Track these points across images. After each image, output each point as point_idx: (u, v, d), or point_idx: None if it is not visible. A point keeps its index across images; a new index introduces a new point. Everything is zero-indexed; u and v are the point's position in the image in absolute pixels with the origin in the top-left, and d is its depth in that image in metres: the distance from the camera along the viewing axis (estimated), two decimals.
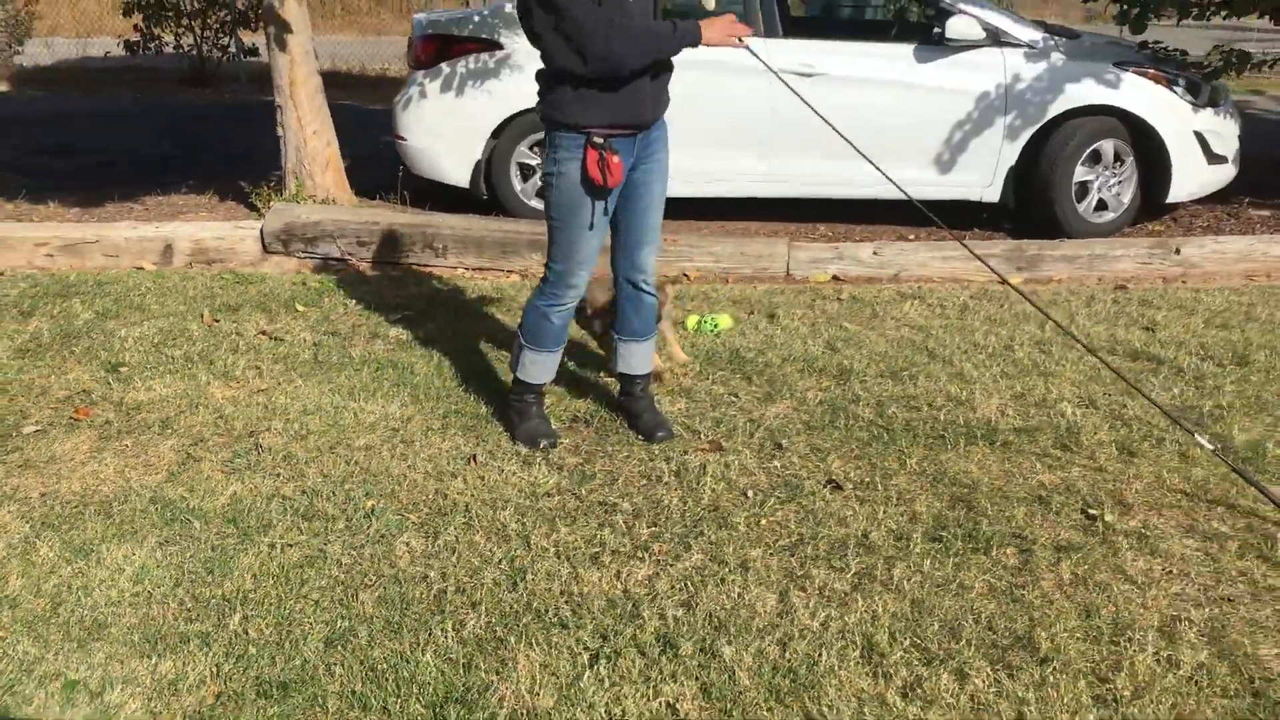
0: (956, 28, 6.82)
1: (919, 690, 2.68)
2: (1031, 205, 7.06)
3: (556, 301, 3.87)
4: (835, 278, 6.20)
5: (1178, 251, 6.36)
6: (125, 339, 4.99)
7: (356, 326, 5.25)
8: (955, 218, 6.94)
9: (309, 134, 6.80)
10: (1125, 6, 7.54)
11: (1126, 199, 7.07)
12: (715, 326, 5.23)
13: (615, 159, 3.57)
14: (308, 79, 6.73)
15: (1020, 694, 2.66)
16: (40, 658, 2.79)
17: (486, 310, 5.49)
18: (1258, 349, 4.88)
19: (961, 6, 6.92)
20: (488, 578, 3.15)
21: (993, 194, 7.10)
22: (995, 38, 6.92)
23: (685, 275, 6.15)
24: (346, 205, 6.97)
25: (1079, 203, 7.02)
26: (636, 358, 4.13)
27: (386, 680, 2.69)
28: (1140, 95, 6.87)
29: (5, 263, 6.21)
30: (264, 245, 6.54)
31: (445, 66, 7.20)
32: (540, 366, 3.99)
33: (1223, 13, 7.83)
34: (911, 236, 6.96)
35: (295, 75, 6.67)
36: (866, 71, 6.97)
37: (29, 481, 3.71)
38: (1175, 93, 6.93)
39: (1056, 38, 7.11)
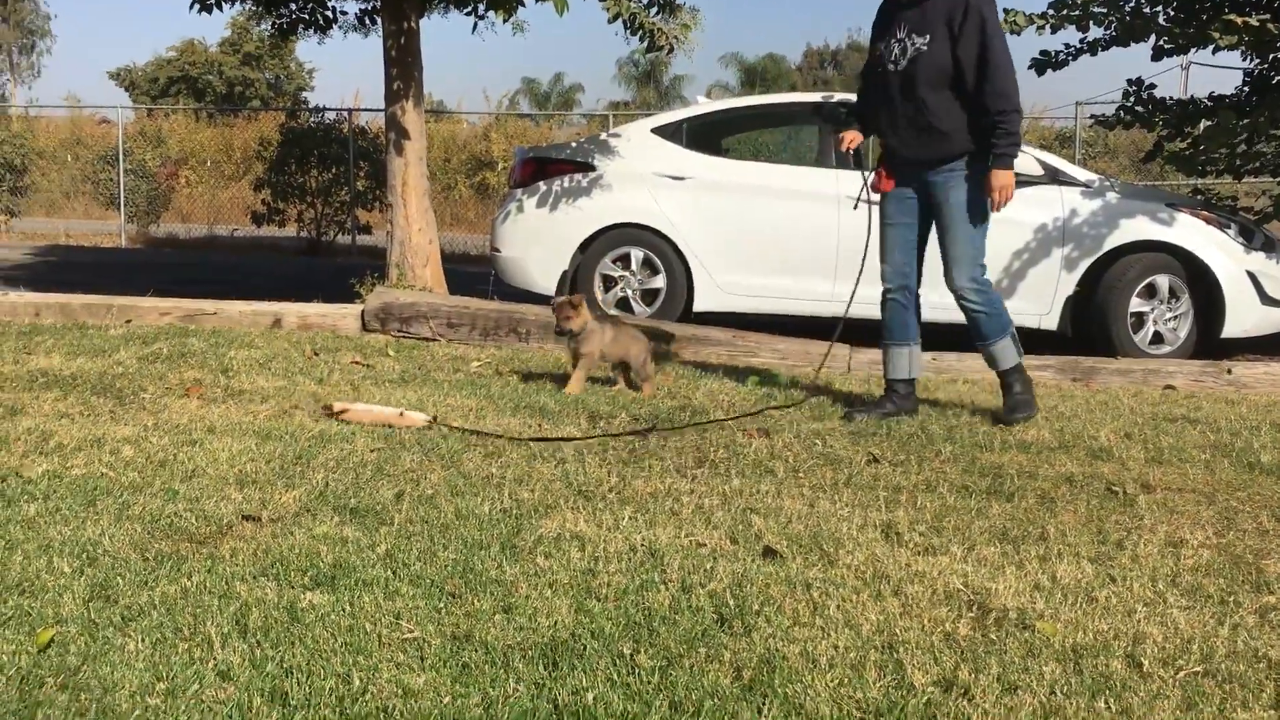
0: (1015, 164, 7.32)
1: (931, 544, 2.89)
2: (1088, 335, 7.35)
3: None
4: None
5: (1229, 372, 6.56)
6: (235, 358, 5.51)
7: (441, 364, 5.71)
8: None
9: (414, 230, 7.48)
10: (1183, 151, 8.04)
11: (1182, 334, 7.33)
12: (772, 383, 5.57)
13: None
14: (418, 182, 7.47)
15: (1020, 558, 2.85)
16: (146, 485, 3.16)
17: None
18: None
19: (1022, 147, 7.46)
20: (544, 473, 3.46)
21: (1050, 322, 7.42)
22: (1053, 176, 7.43)
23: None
24: (442, 295, 7.56)
25: (1134, 334, 7.29)
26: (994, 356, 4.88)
27: (452, 514, 3.00)
28: (1193, 233, 7.24)
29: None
30: (363, 323, 7.12)
31: (542, 185, 7.90)
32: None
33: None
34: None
35: (408, 177, 7.42)
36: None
37: (143, 417, 4.15)
38: (1228, 234, 7.29)
39: (1112, 179, 7.60)
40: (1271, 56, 7.80)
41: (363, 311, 7.13)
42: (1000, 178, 4.60)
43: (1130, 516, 3.37)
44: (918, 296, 4.96)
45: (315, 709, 1.91)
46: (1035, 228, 7.34)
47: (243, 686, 1.97)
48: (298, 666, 2.04)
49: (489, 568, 2.60)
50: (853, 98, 8.53)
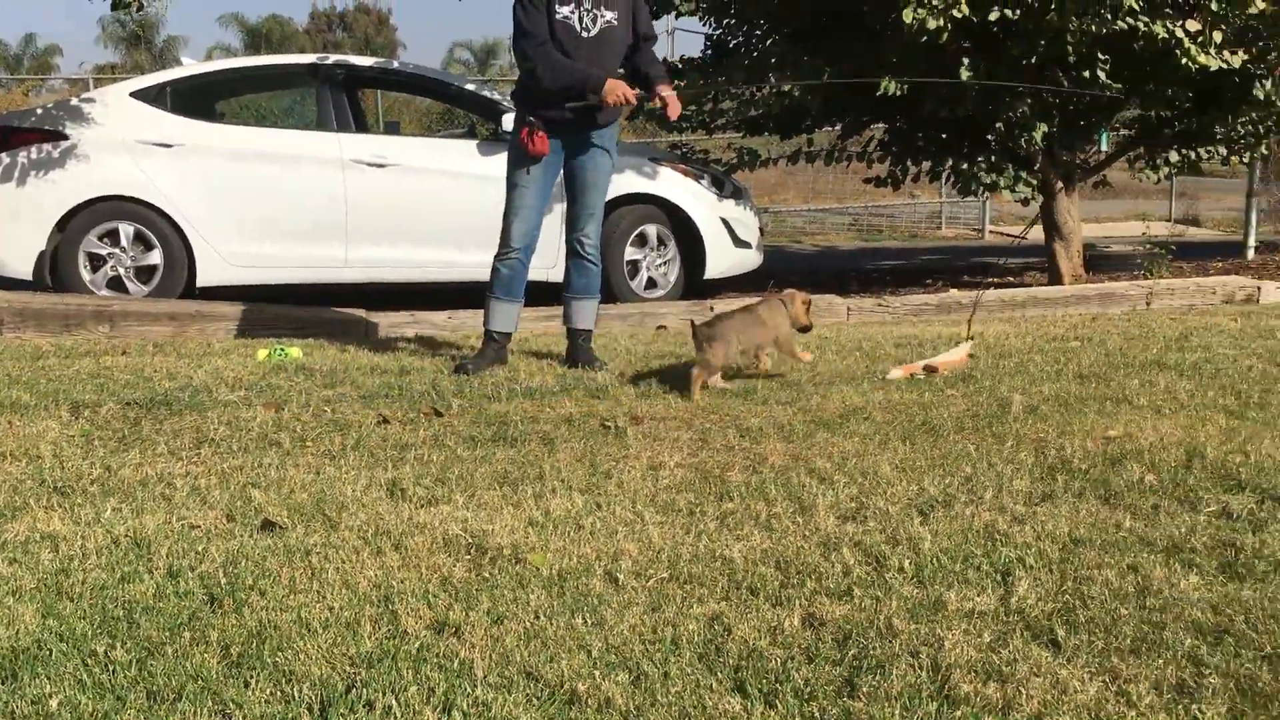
0: (510, 122, 7.59)
1: (434, 496, 2.97)
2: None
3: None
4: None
5: (712, 309, 7.27)
6: None
7: None
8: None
9: None
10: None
11: (673, 277, 8.01)
12: (285, 354, 5.41)
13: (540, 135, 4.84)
14: None
15: (518, 498, 3.01)
16: None
17: (42, 360, 5.34)
18: None
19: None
20: (12, 472, 3.13)
21: (557, 274, 7.78)
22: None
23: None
24: None
25: (631, 280, 7.86)
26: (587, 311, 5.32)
27: None
28: (674, 185, 7.91)
29: None
30: None
31: (4, 156, 7.08)
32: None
33: (741, 131, 9.21)
34: None
35: None
36: (436, 163, 7.58)
37: None
38: (702, 184, 8.04)
39: None
40: (725, 21, 8.65)
41: None
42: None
43: (620, 448, 3.64)
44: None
45: None
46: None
47: None
48: None
49: None
50: (354, 59, 8.45)
